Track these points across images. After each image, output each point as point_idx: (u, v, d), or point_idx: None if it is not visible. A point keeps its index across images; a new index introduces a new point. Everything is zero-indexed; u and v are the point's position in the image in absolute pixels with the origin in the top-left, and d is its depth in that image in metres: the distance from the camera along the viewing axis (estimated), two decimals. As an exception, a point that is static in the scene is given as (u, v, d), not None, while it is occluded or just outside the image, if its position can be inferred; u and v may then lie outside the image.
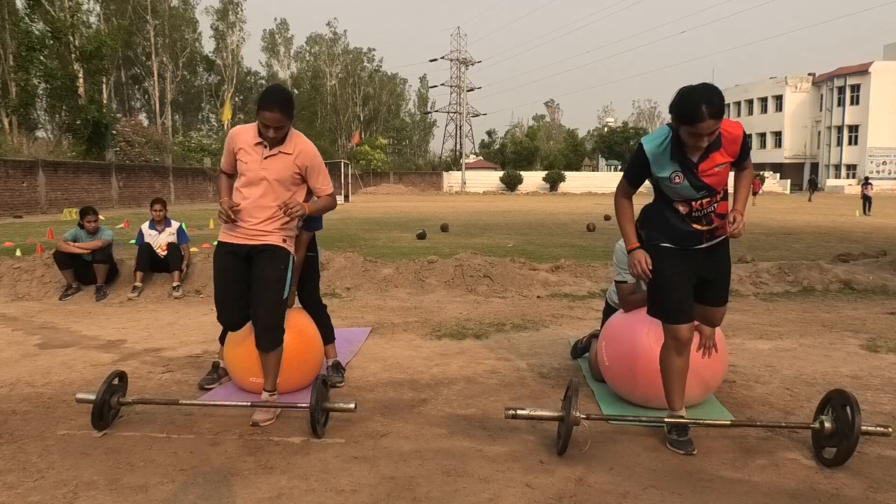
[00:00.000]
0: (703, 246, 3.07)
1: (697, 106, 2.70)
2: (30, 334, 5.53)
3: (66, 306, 6.83)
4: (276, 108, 3.26)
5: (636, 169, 3.05)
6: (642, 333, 3.51)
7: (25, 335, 5.49)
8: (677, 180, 2.94)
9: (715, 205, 3.01)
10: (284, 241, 3.50)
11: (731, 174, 3.09)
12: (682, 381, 3.14)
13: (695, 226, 3.02)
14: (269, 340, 3.44)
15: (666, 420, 3.14)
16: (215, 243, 3.67)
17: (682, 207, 3.02)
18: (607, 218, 19.36)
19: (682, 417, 3.12)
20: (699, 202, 2.98)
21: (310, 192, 3.63)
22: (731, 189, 3.10)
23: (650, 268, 3.03)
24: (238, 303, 3.54)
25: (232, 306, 3.56)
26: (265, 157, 3.39)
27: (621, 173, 3.22)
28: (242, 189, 3.44)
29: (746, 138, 2.98)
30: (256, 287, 3.45)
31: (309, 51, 77.69)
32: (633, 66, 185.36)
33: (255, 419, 3.41)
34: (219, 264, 3.55)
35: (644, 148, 2.97)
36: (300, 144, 3.46)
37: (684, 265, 3.06)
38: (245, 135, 3.46)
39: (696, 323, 3.25)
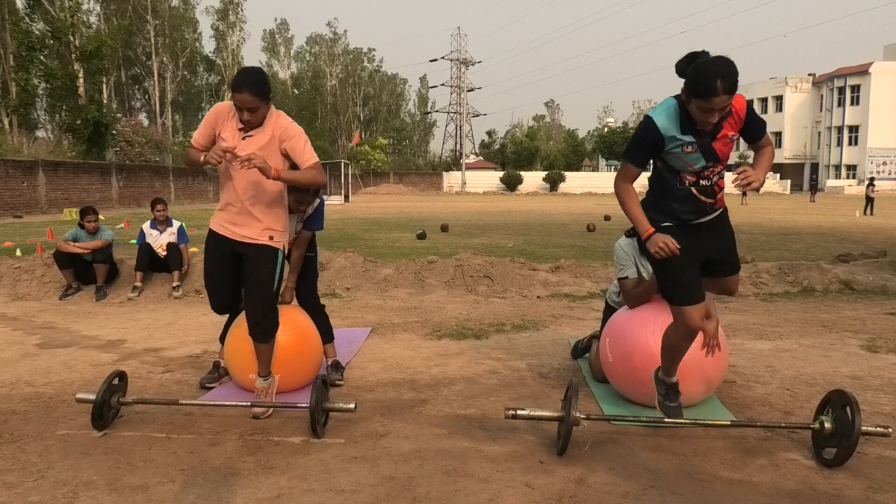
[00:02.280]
0: (704, 220, 3.00)
1: (713, 79, 2.58)
2: (30, 334, 5.53)
3: (66, 306, 6.83)
4: (245, 89, 3.14)
5: (646, 146, 2.86)
6: (647, 331, 3.50)
7: (25, 335, 5.49)
8: (689, 150, 2.82)
9: (719, 175, 2.93)
10: (271, 238, 3.47)
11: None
12: (682, 355, 3.16)
13: (701, 197, 2.93)
14: (263, 333, 3.52)
15: (657, 375, 3.23)
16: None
17: (689, 177, 2.90)
18: (607, 218, 19.37)
19: (675, 383, 3.21)
20: (707, 171, 2.88)
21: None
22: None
23: (674, 245, 2.87)
24: (225, 291, 3.65)
25: (219, 294, 3.67)
26: (243, 139, 3.32)
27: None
28: (224, 172, 3.40)
29: (753, 110, 2.88)
30: (247, 287, 3.51)
31: (309, 51, 77.80)
32: (633, 66, 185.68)
33: (255, 412, 3.47)
34: (208, 255, 3.61)
35: (656, 122, 2.80)
36: (279, 122, 3.35)
37: (689, 243, 2.96)
38: (232, 114, 3.37)
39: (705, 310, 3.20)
